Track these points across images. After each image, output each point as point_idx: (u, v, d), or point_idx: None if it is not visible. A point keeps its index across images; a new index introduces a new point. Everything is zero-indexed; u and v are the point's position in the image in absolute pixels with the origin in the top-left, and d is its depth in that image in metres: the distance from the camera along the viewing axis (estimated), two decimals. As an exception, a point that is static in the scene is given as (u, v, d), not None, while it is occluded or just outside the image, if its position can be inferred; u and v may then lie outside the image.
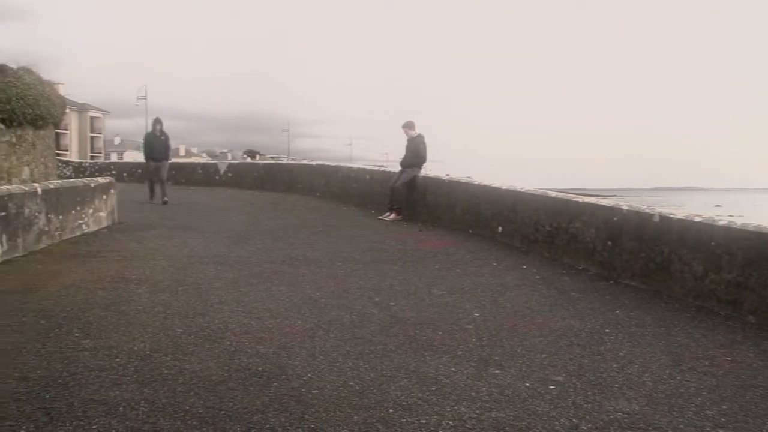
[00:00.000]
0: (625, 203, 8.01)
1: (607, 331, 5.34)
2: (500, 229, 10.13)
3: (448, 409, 3.70)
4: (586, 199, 8.54)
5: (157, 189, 16.77)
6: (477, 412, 3.67)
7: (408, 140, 13.34)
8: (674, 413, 3.71)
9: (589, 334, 5.25)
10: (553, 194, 9.27)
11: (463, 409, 3.71)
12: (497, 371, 4.37)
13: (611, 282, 7.21)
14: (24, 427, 3.42)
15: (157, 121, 16.95)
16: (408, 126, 13.39)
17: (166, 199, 16.40)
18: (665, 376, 4.31)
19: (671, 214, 6.88)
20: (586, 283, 7.22)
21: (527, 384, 4.13)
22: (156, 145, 16.86)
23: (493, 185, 10.75)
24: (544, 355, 4.70)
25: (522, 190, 9.87)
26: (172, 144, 18.23)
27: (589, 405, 3.80)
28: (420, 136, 13.30)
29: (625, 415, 3.66)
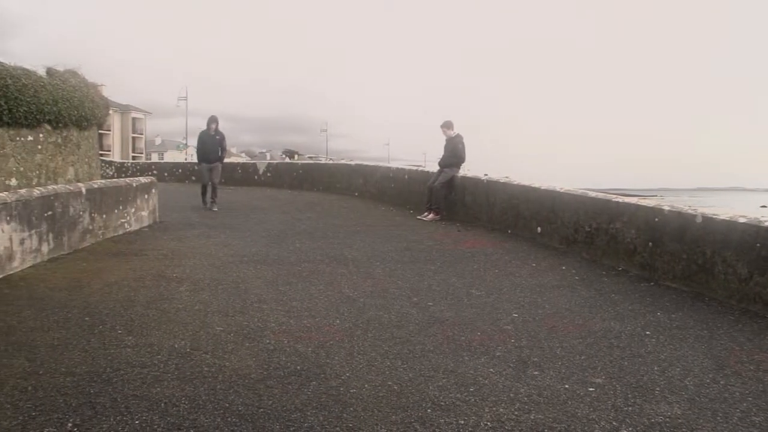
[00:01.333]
0: (666, 203, 7.89)
1: (647, 333, 5.27)
2: (539, 229, 10.06)
3: (487, 410, 3.69)
4: (627, 200, 8.43)
5: (209, 193, 15.40)
6: (516, 413, 3.65)
7: (446, 140, 13.31)
8: (718, 419, 3.64)
9: (630, 336, 5.19)
10: (593, 194, 9.17)
11: (501, 410, 3.70)
12: (536, 372, 4.34)
13: (652, 283, 7.11)
14: (71, 420, 3.50)
15: (212, 120, 15.28)
16: (446, 126, 13.36)
17: (215, 207, 15.02)
18: (708, 380, 4.23)
19: (714, 214, 6.75)
20: (626, 284, 7.13)
21: (566, 386, 4.09)
22: (210, 145, 15.34)
23: (533, 185, 10.67)
24: (583, 357, 4.66)
25: (561, 190, 9.78)
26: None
27: (630, 408, 3.75)
28: (458, 136, 13.27)
29: (667, 419, 3.60)
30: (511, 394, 3.93)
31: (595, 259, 8.41)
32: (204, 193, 15.49)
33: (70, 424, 3.45)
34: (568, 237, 9.24)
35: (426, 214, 13.11)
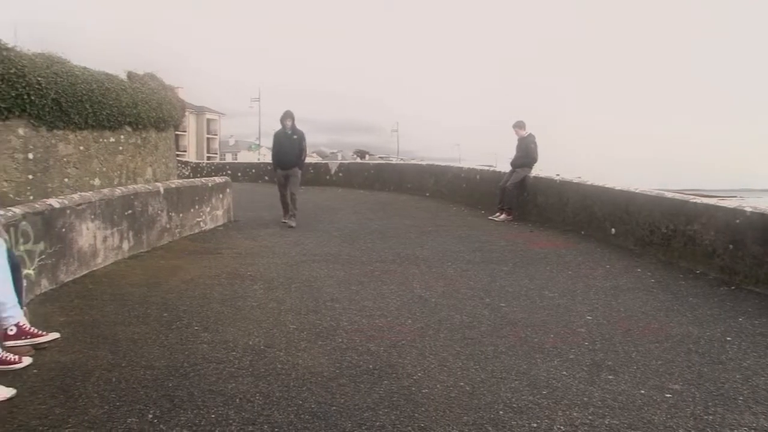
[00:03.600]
0: (748, 204, 7.62)
1: (728, 339, 5.10)
2: (613, 230, 9.87)
3: (560, 414, 3.64)
4: (705, 200, 8.19)
5: (288, 203, 12.46)
6: (589, 417, 3.60)
7: (518, 140, 13.21)
8: (808, 431, 3.49)
9: (709, 341, 5.03)
10: (669, 195, 8.95)
11: (575, 414, 3.65)
12: (610, 376, 4.26)
13: (732, 287, 6.88)
14: (151, 411, 3.63)
15: (287, 115, 12.31)
16: (518, 126, 13.26)
17: (293, 222, 12.10)
18: (796, 391, 4.06)
19: (802, 216, 6.49)
20: (705, 288, 6.92)
21: (642, 391, 4.00)
22: (286, 146, 12.38)
23: (606, 185, 10.48)
24: (659, 362, 4.55)
25: (636, 191, 9.57)
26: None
27: (710, 417, 3.63)
28: (531, 136, 13.14)
29: (752, 431, 3.49)
30: (585, 398, 3.88)
31: (672, 262, 8.19)
32: (285, 205, 12.53)
33: (150, 415, 3.58)
34: (643, 238, 9.03)
35: (498, 214, 13.01)
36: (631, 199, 9.54)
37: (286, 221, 12.22)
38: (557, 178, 12.28)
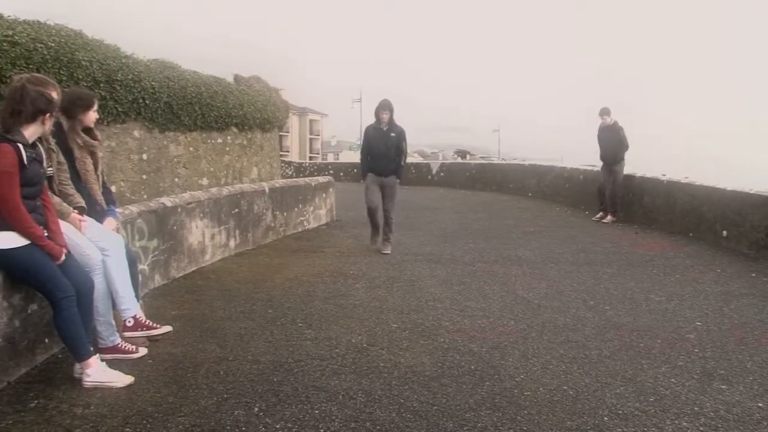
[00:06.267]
0: None
1: None
2: (725, 233, 9.46)
3: (668, 423, 3.53)
4: (828, 203, 7.74)
5: (380, 222, 9.43)
6: (701, 429, 3.47)
7: (601, 128, 12.55)
8: None
9: (833, 352, 4.76)
10: (788, 196, 8.51)
11: (684, 424, 3.52)
12: (723, 386, 4.09)
13: None
14: (257, 405, 3.75)
15: (384, 106, 9.23)
16: (605, 112, 12.51)
17: (388, 249, 9.12)
18: None
19: None
20: (829, 295, 6.54)
21: (760, 404, 3.81)
22: (379, 146, 9.21)
23: (717, 186, 10.05)
24: (779, 373, 4.34)
25: (750, 191, 9.13)
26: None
27: (838, 434, 3.43)
28: (617, 123, 12.45)
29: None
30: (696, 408, 3.74)
31: (791, 267, 7.78)
32: (374, 223, 9.54)
33: (256, 409, 3.69)
34: (759, 241, 8.62)
35: (602, 215, 12.68)
36: (744, 200, 9.12)
37: (376, 243, 9.48)
38: (664, 178, 11.87)
